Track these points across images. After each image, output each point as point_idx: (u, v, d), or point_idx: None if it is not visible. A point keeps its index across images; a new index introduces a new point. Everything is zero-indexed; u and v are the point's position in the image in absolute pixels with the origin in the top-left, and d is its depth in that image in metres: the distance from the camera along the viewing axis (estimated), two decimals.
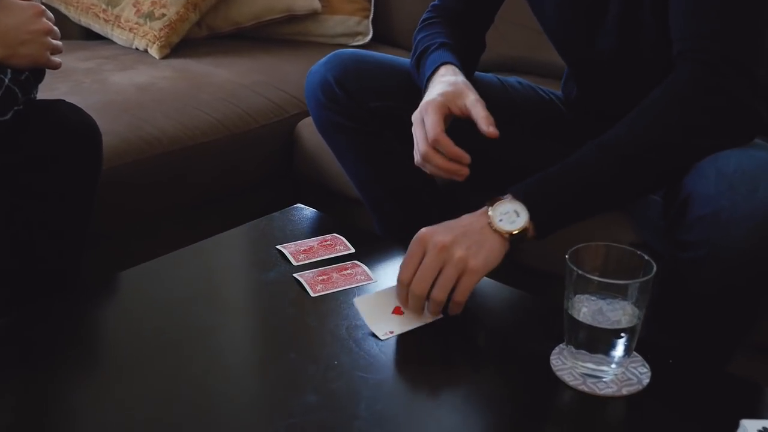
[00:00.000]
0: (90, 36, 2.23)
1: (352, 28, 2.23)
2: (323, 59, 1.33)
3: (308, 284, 1.06)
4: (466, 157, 1.09)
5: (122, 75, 1.89)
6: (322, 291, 1.05)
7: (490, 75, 1.37)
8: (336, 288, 1.06)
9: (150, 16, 2.10)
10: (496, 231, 0.98)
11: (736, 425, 0.77)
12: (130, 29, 2.11)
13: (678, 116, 1.01)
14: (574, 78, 1.33)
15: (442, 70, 1.20)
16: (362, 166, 1.36)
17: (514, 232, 0.98)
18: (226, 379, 0.90)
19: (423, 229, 0.99)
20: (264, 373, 0.94)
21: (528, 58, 1.94)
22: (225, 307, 1.05)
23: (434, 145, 1.10)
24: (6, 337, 0.97)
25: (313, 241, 1.18)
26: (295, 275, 1.08)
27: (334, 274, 1.09)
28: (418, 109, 1.13)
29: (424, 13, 1.36)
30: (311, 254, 1.14)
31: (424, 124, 1.11)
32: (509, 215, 0.99)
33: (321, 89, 1.30)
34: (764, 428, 0.76)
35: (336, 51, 1.34)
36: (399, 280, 0.99)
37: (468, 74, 1.21)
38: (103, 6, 2.15)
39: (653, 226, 1.20)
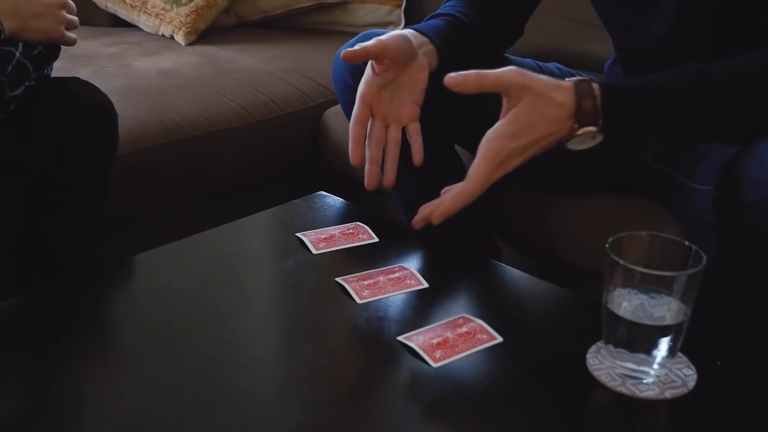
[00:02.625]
0: (117, 23, 2.24)
1: (383, 18, 2.19)
2: (352, 39, 1.28)
3: (354, 291, 0.97)
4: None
5: (146, 60, 1.87)
6: (369, 297, 0.96)
7: (527, 59, 1.32)
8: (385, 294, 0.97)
9: (177, 2, 2.07)
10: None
11: None
12: (157, 15, 2.09)
13: None
14: (621, 63, 1.26)
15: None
16: None
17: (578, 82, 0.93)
18: (235, 370, 0.85)
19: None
20: (276, 366, 0.88)
21: (566, 50, 1.88)
22: (238, 296, 1.00)
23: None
24: (11, 320, 0.93)
25: (334, 230, 1.12)
26: (337, 280, 0.99)
27: (381, 278, 1.00)
28: None
29: None
30: (332, 243, 1.09)
31: None
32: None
33: (350, 72, 1.26)
34: None
35: (366, 31, 1.29)
36: None
37: (460, 50, 1.17)
38: None
39: (694, 217, 1.12)
